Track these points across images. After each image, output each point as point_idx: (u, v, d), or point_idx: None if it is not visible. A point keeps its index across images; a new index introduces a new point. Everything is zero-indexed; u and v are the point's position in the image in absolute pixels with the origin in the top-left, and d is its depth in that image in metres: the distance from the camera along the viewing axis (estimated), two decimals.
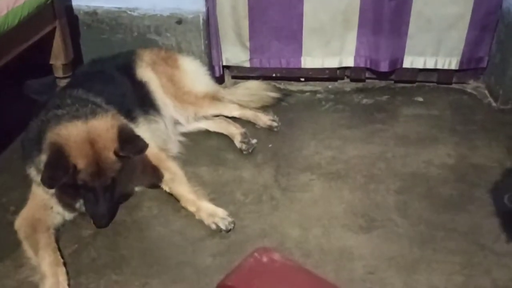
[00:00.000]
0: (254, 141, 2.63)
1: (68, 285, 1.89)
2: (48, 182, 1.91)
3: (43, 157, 1.95)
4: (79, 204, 2.13)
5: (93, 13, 2.95)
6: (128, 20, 2.94)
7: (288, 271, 1.47)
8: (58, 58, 2.81)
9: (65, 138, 1.95)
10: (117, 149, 1.99)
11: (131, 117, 2.34)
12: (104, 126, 2.02)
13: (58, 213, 2.13)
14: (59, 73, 2.85)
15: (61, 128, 1.98)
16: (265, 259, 1.49)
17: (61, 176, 1.89)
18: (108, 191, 2.06)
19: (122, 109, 2.28)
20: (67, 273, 1.92)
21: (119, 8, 2.92)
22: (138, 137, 2.08)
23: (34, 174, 2.09)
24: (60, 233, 2.12)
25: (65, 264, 1.95)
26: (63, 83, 2.83)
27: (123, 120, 2.12)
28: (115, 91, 2.39)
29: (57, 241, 2.05)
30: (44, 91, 2.88)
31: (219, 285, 1.48)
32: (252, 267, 1.47)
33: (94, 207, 2.05)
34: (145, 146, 2.05)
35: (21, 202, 2.15)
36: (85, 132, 1.98)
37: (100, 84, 2.40)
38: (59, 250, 2.00)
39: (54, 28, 2.72)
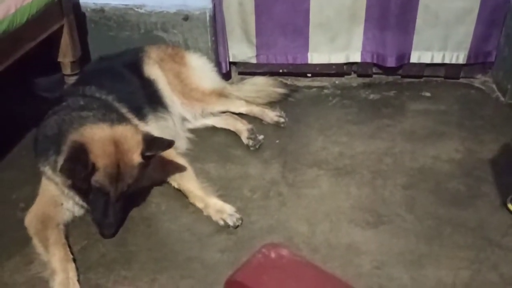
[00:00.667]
0: (261, 137, 2.64)
1: (78, 280, 1.90)
2: (66, 173, 1.92)
3: (62, 156, 1.96)
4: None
5: (100, 10, 2.96)
6: (135, 17, 2.95)
7: (296, 267, 1.48)
8: (66, 56, 2.83)
9: (89, 137, 1.96)
10: (143, 149, 2.01)
11: (141, 115, 2.36)
12: (129, 131, 2.04)
13: (68, 210, 2.14)
14: (67, 70, 2.87)
15: (86, 128, 2.00)
16: (273, 254, 1.49)
17: (80, 170, 1.89)
18: (120, 201, 2.06)
19: (132, 106, 2.30)
20: (77, 269, 1.94)
21: (126, 5, 2.93)
22: (161, 138, 2.13)
23: (50, 172, 2.10)
24: (69, 229, 2.14)
25: (74, 260, 1.97)
26: (71, 80, 2.86)
27: (145, 131, 2.15)
28: (125, 88, 2.41)
29: (66, 237, 2.07)
30: (53, 89, 2.90)
31: (227, 281, 1.49)
32: (261, 263, 1.48)
33: (103, 215, 2.03)
34: (171, 142, 2.09)
35: (31, 198, 2.17)
36: (110, 134, 1.99)
37: (110, 81, 2.42)
38: (69, 246, 2.02)
39: (62, 26, 2.74)
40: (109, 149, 1.96)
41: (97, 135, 1.98)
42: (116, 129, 2.03)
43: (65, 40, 2.78)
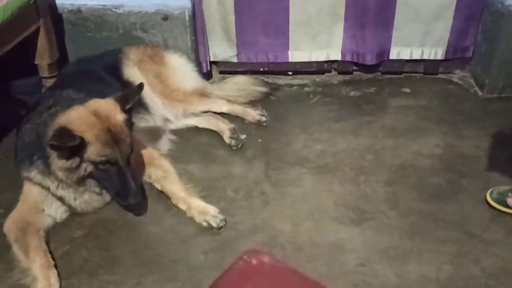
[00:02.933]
0: (243, 136, 2.63)
1: (60, 287, 1.88)
2: (56, 149, 1.90)
3: (52, 154, 1.94)
4: (78, 202, 2.13)
5: (78, 11, 2.91)
6: (113, 18, 2.91)
7: (278, 273, 1.48)
8: (43, 58, 2.78)
9: (66, 120, 1.94)
10: (121, 105, 2.02)
11: None
12: (99, 100, 2.05)
13: (49, 216, 2.12)
14: (44, 72, 2.81)
15: (60, 117, 1.97)
16: (254, 261, 1.49)
17: (68, 141, 1.86)
18: (130, 166, 2.04)
19: None
20: (59, 275, 1.92)
21: (104, 5, 2.89)
22: (128, 90, 2.16)
23: (39, 176, 2.06)
24: (50, 234, 2.11)
25: (56, 266, 1.94)
26: (49, 82, 2.81)
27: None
28: (104, 91, 2.37)
29: (47, 243, 2.04)
30: (30, 92, 2.86)
31: None
32: (242, 270, 1.47)
33: (123, 186, 2.01)
34: (140, 85, 2.11)
35: (10, 204, 2.14)
36: (84, 109, 1.99)
37: (89, 84, 2.38)
38: (50, 252, 1.99)
39: (38, 28, 2.68)
40: (91, 121, 1.95)
41: (72, 115, 1.96)
42: (88, 104, 2.02)
43: (41, 42, 2.73)
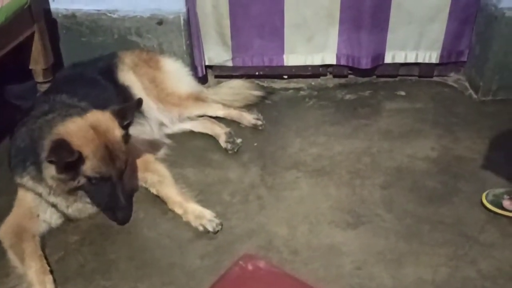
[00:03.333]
0: (239, 140, 2.63)
1: None
2: (54, 163, 1.89)
3: (42, 156, 1.93)
4: (71, 210, 2.12)
5: (72, 16, 2.91)
6: (108, 22, 2.91)
7: (274, 278, 1.48)
8: (38, 63, 2.77)
9: (64, 132, 1.93)
10: (119, 121, 2.02)
11: None
12: (97, 113, 2.04)
13: (44, 221, 2.11)
14: (39, 78, 2.81)
15: (58, 127, 1.96)
16: (250, 267, 1.49)
17: (66, 156, 1.85)
18: (123, 181, 2.05)
19: None
20: (54, 280, 1.91)
21: (98, 10, 2.89)
22: (126, 104, 2.17)
23: (30, 183, 2.06)
24: (46, 240, 2.10)
25: (52, 271, 1.93)
26: (44, 87, 2.80)
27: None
28: (99, 95, 2.37)
29: (43, 248, 2.03)
30: (25, 96, 2.85)
31: None
32: (238, 276, 1.47)
33: (113, 201, 2.01)
34: (139, 100, 2.14)
35: (5, 210, 2.12)
36: (82, 123, 1.98)
37: (84, 88, 2.38)
38: (46, 257, 1.99)
39: (33, 33, 2.68)
40: (89, 135, 1.94)
41: (71, 128, 1.95)
42: (86, 116, 2.02)
43: (36, 47, 2.72)
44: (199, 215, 2.15)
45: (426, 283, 1.87)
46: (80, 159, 1.90)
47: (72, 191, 2.02)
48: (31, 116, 2.14)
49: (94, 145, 1.93)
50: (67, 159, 1.86)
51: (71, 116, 2.01)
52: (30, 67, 2.79)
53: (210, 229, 2.11)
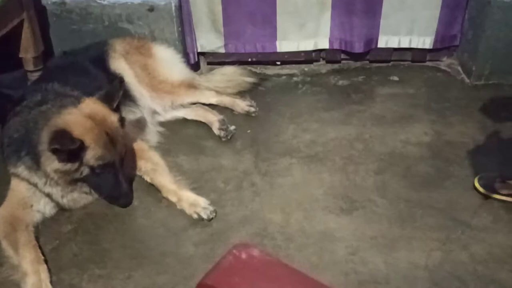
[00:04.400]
0: (232, 127, 2.62)
1: (50, 282, 1.87)
2: (56, 151, 1.89)
3: (46, 155, 1.94)
4: (66, 200, 2.12)
5: (62, 3, 2.87)
6: (98, 10, 2.87)
7: (268, 267, 1.48)
8: (28, 51, 2.74)
9: (63, 123, 1.93)
10: (109, 105, 2.03)
11: None
12: (90, 102, 2.05)
13: (38, 211, 2.11)
14: (29, 66, 2.78)
15: (56, 119, 1.96)
16: (244, 255, 1.49)
17: (69, 144, 1.87)
18: (123, 166, 2.07)
19: None
20: (49, 270, 1.91)
21: None
22: (109, 87, 2.15)
23: (25, 173, 2.05)
24: (40, 229, 2.09)
25: (46, 261, 1.93)
26: (34, 76, 2.77)
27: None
28: (91, 84, 2.35)
29: (37, 238, 2.03)
30: (16, 85, 2.82)
31: (199, 284, 1.48)
32: (232, 265, 1.47)
33: (116, 186, 2.03)
34: (121, 79, 2.13)
35: None
36: (79, 113, 1.99)
37: (75, 77, 2.36)
38: (40, 247, 1.98)
39: (22, 21, 2.65)
40: (88, 125, 1.95)
41: (68, 119, 1.96)
42: (81, 106, 2.02)
43: (26, 35, 2.69)
44: (193, 203, 2.15)
45: (419, 267, 1.89)
46: (83, 148, 1.91)
47: (74, 183, 2.03)
48: (24, 106, 2.12)
49: (94, 134, 1.95)
50: (70, 147, 1.86)
51: (66, 107, 2.01)
52: (20, 56, 2.76)
53: (205, 216, 2.11)
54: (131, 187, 2.20)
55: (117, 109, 2.07)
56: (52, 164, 1.95)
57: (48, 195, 2.10)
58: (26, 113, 2.08)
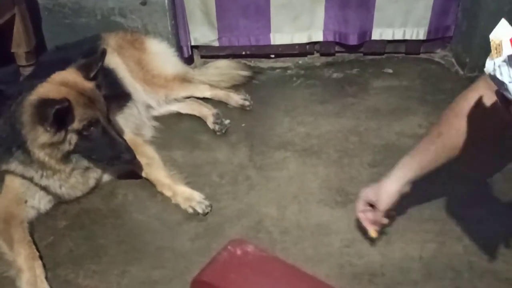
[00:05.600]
0: (227, 121, 2.62)
1: (46, 278, 1.87)
2: (50, 113, 1.86)
3: (30, 135, 1.94)
4: (64, 189, 2.11)
5: None
6: (91, 3, 2.85)
7: (263, 263, 1.48)
8: (20, 46, 2.72)
9: (40, 93, 1.94)
10: (84, 75, 2.03)
11: None
12: (61, 73, 2.06)
13: (33, 207, 2.10)
14: (22, 61, 2.76)
15: (29, 98, 1.95)
16: (239, 251, 1.49)
17: (56, 104, 1.86)
18: (111, 124, 2.08)
19: None
20: (44, 266, 1.90)
21: None
22: (90, 57, 2.13)
23: (20, 167, 2.03)
24: (34, 225, 2.09)
25: (41, 257, 1.93)
26: (27, 71, 2.76)
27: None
28: None
29: (31, 234, 2.02)
30: (8, 81, 2.80)
31: (193, 281, 1.48)
32: (227, 261, 1.47)
33: (112, 143, 2.02)
34: (103, 50, 2.11)
35: None
36: (52, 83, 2.00)
37: None
38: (34, 243, 1.98)
39: (14, 15, 2.62)
40: (62, 90, 1.96)
41: (42, 91, 1.97)
42: (51, 78, 2.03)
43: (17, 29, 2.66)
44: (189, 197, 2.15)
45: (414, 259, 1.90)
46: (69, 108, 1.90)
47: (66, 157, 2.01)
48: (6, 105, 2.09)
49: (71, 96, 1.94)
50: (58, 106, 1.85)
51: (36, 86, 2.01)
52: (12, 51, 2.74)
53: (200, 211, 2.11)
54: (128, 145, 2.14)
55: (93, 78, 2.07)
56: (39, 139, 1.92)
57: (45, 188, 2.08)
58: (6, 111, 2.05)
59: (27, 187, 2.08)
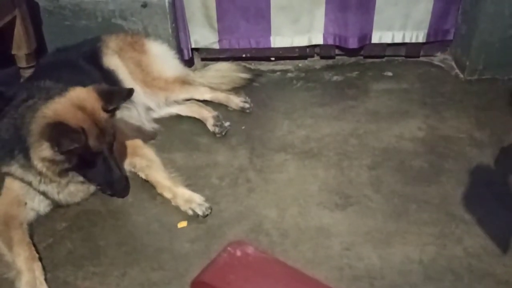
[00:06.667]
0: (227, 123, 2.62)
1: (45, 279, 1.87)
2: (66, 148, 1.86)
3: (34, 149, 1.91)
4: (62, 195, 2.11)
5: None
6: (91, 5, 2.86)
7: (263, 264, 1.48)
8: (20, 48, 2.72)
9: (55, 113, 1.91)
10: (103, 105, 1.99)
11: None
12: (81, 92, 2.01)
13: (32, 209, 2.10)
14: (22, 63, 2.76)
15: (43, 110, 1.93)
16: (239, 253, 1.49)
17: (76, 137, 1.85)
18: (113, 154, 2.06)
19: None
20: (43, 267, 1.90)
21: None
22: (117, 88, 2.12)
23: (19, 171, 2.03)
24: (34, 227, 2.09)
25: (40, 258, 1.93)
26: (27, 73, 2.76)
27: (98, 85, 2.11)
28: (84, 81, 2.33)
29: (31, 236, 2.02)
30: (8, 82, 2.80)
31: (193, 282, 1.48)
32: (226, 262, 1.47)
33: (108, 173, 2.03)
34: (130, 90, 2.08)
35: None
36: (68, 103, 1.96)
37: (68, 74, 2.34)
38: (34, 245, 1.98)
39: (14, 17, 2.63)
40: (79, 115, 1.93)
41: (60, 109, 1.93)
42: (69, 94, 1.99)
43: (18, 32, 2.67)
44: (189, 199, 2.15)
45: (414, 262, 1.90)
46: (82, 139, 1.88)
47: (63, 173, 2.01)
48: (11, 106, 2.10)
49: (86, 125, 1.92)
50: (74, 142, 1.85)
51: (53, 98, 1.98)
52: (12, 52, 2.75)
53: (200, 213, 2.11)
54: (126, 175, 2.17)
55: (110, 111, 2.03)
56: (42, 152, 1.92)
57: (43, 193, 2.09)
58: (13, 112, 2.05)
59: (26, 190, 2.08)
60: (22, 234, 1.98)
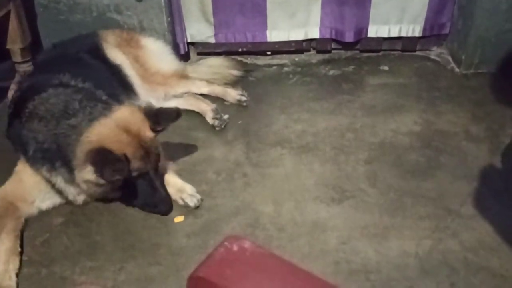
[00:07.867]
0: (226, 116, 2.62)
1: (16, 275, 1.85)
2: (110, 178, 1.85)
3: (79, 168, 1.90)
4: (80, 197, 2.08)
5: None
6: (86, 0, 2.84)
7: (260, 259, 1.48)
8: (15, 42, 2.71)
9: (99, 138, 1.88)
10: (151, 125, 1.98)
11: (118, 101, 2.22)
12: (126, 112, 1.99)
13: (37, 207, 2.09)
14: (17, 57, 2.75)
15: (90, 135, 1.90)
16: (235, 247, 1.48)
17: (120, 167, 1.84)
18: (159, 173, 2.06)
19: (110, 93, 2.20)
20: (20, 263, 1.89)
21: None
22: (166, 109, 2.10)
23: (62, 184, 2.01)
24: (30, 222, 2.08)
25: (21, 253, 1.92)
26: (22, 67, 2.75)
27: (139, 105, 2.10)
28: (98, 75, 2.31)
29: (22, 231, 2.01)
30: (3, 77, 2.79)
31: (190, 277, 1.48)
32: (223, 257, 1.46)
33: (153, 194, 2.02)
34: (178, 111, 2.07)
35: None
36: (113, 124, 1.93)
37: (80, 68, 2.29)
38: (23, 240, 1.97)
39: (9, 12, 2.61)
40: (124, 138, 1.91)
41: (105, 132, 1.90)
42: (115, 117, 1.95)
43: (13, 26, 2.65)
44: (180, 188, 2.14)
45: (410, 256, 1.90)
46: (128, 162, 1.87)
47: (105, 194, 2.01)
48: (40, 103, 2.02)
49: (130, 148, 1.91)
50: (117, 166, 1.83)
51: (97, 118, 1.94)
52: (7, 47, 2.73)
53: (191, 204, 2.10)
54: (167, 193, 2.12)
55: (157, 131, 2.01)
56: (85, 176, 1.90)
57: (60, 192, 2.05)
58: (54, 124, 1.97)
59: (39, 190, 2.06)
60: (15, 225, 1.96)
